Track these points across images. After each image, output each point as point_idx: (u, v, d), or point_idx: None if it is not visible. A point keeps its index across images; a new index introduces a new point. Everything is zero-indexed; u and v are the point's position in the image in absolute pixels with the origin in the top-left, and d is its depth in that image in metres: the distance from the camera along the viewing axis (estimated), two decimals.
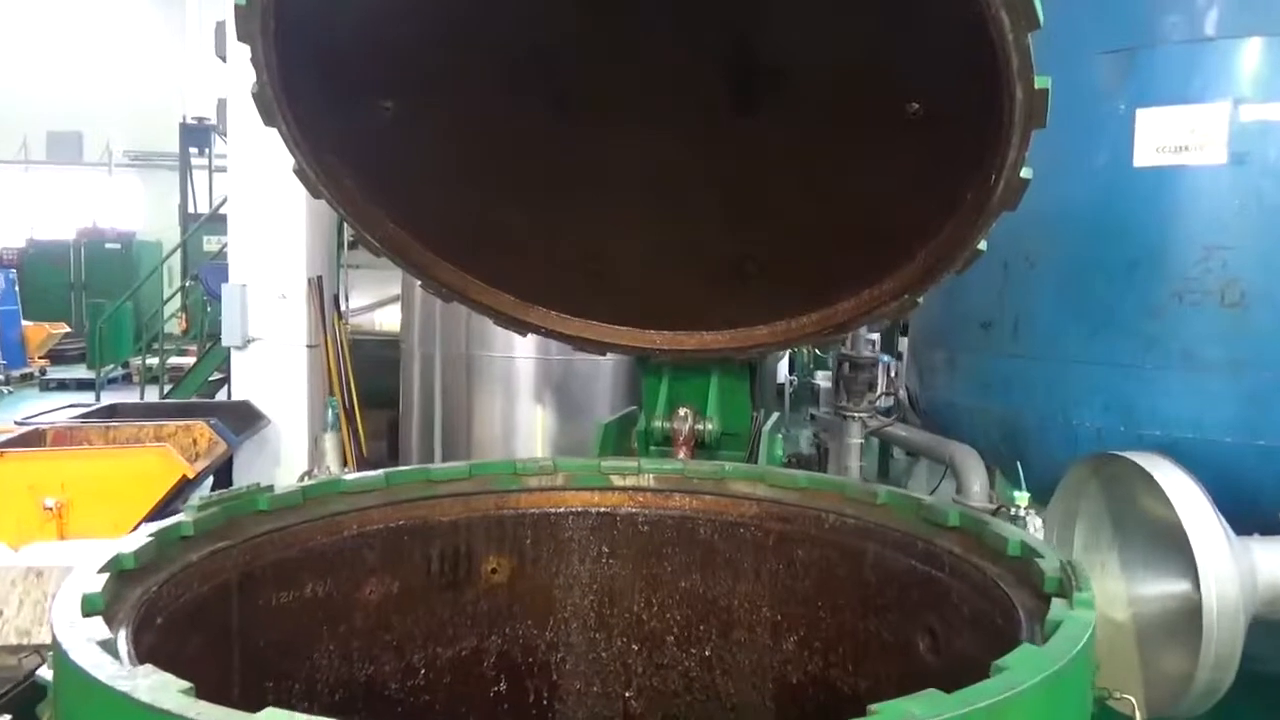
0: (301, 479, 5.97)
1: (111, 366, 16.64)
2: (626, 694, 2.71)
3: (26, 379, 18.04)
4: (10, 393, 16.52)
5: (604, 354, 3.00)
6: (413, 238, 2.54)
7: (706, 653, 2.64)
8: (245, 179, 6.93)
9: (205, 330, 13.36)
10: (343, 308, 7.60)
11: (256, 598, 2.12)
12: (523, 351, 5.91)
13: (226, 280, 6.83)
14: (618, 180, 2.73)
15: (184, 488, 5.03)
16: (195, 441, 5.46)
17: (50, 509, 4.41)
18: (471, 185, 2.66)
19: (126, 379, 16.97)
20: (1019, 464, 3.57)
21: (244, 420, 6.41)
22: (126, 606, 1.65)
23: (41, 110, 28.32)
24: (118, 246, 24.11)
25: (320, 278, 7.07)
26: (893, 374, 5.65)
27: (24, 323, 18.94)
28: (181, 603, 1.86)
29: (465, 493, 2.57)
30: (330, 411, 5.88)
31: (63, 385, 17.11)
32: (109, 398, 10.57)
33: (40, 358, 19.17)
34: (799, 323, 2.65)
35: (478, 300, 2.73)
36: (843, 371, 5.35)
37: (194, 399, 8.49)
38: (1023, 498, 3.42)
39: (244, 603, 2.08)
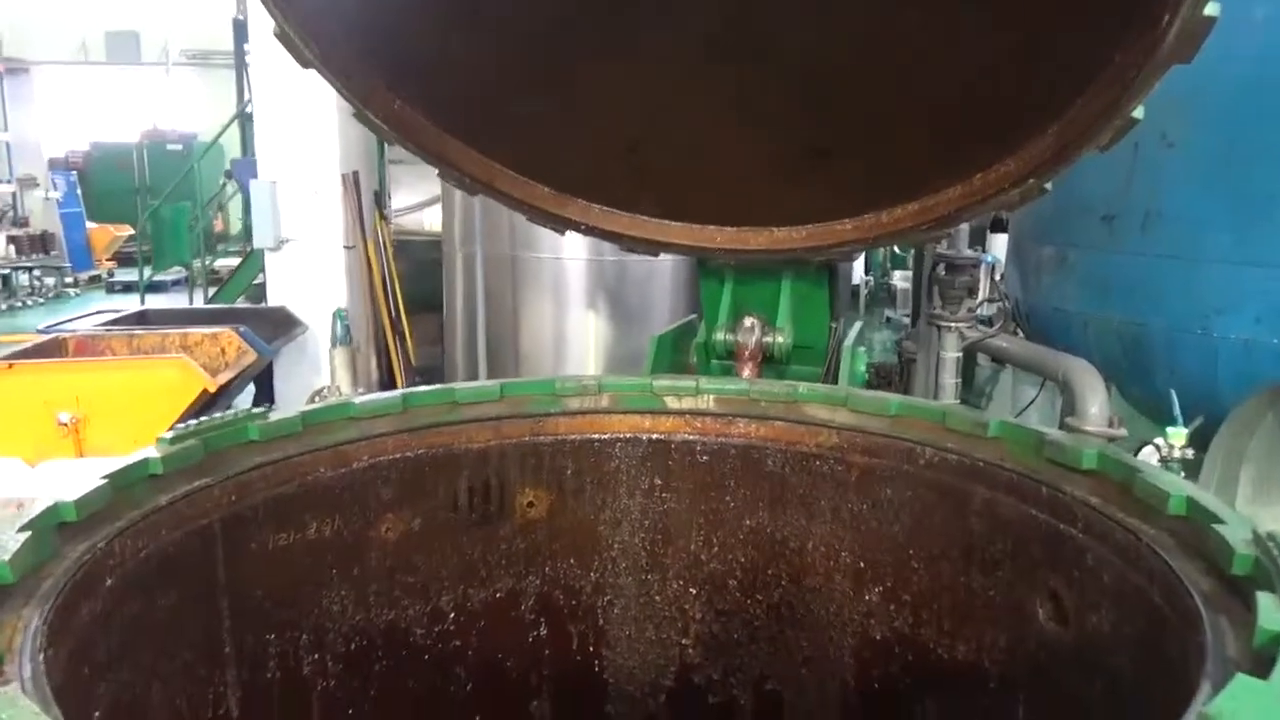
0: (312, 400, 5.72)
1: (176, 270, 16.72)
2: (683, 641, 2.39)
3: (94, 281, 18.29)
4: (78, 295, 16.76)
5: (656, 254, 2.58)
6: (426, 118, 2.13)
7: (775, 599, 2.29)
8: (271, 68, 6.46)
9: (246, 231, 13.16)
10: (385, 206, 7.20)
11: (247, 542, 1.82)
12: (571, 252, 5.46)
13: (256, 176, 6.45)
14: (669, 48, 2.26)
15: (214, 400, 4.81)
16: (223, 351, 5.19)
17: (66, 424, 4.21)
18: (496, 55, 2.23)
19: (188, 282, 17.08)
20: (1174, 393, 3.06)
21: (279, 327, 6.11)
22: (56, 574, 1.33)
23: (98, 9, 28.11)
24: (179, 148, 24.05)
25: (356, 173, 6.62)
26: (997, 277, 4.98)
27: (89, 225, 19.11)
28: (144, 556, 1.55)
29: (496, 417, 2.22)
30: (339, 323, 5.51)
31: (129, 288, 17.29)
32: (165, 301, 10.51)
33: (107, 260, 19.40)
34: (892, 215, 2.20)
35: (507, 192, 2.33)
36: (937, 274, 4.64)
37: (234, 304, 8.25)
38: (1178, 434, 2.87)
39: (231, 549, 1.77)
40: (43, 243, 18.02)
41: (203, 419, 1.83)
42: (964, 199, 2.05)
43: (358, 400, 2.10)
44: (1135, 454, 1.93)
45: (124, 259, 19.75)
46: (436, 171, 2.26)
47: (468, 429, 2.18)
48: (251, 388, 6.17)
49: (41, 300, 17.32)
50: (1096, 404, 3.56)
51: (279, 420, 1.93)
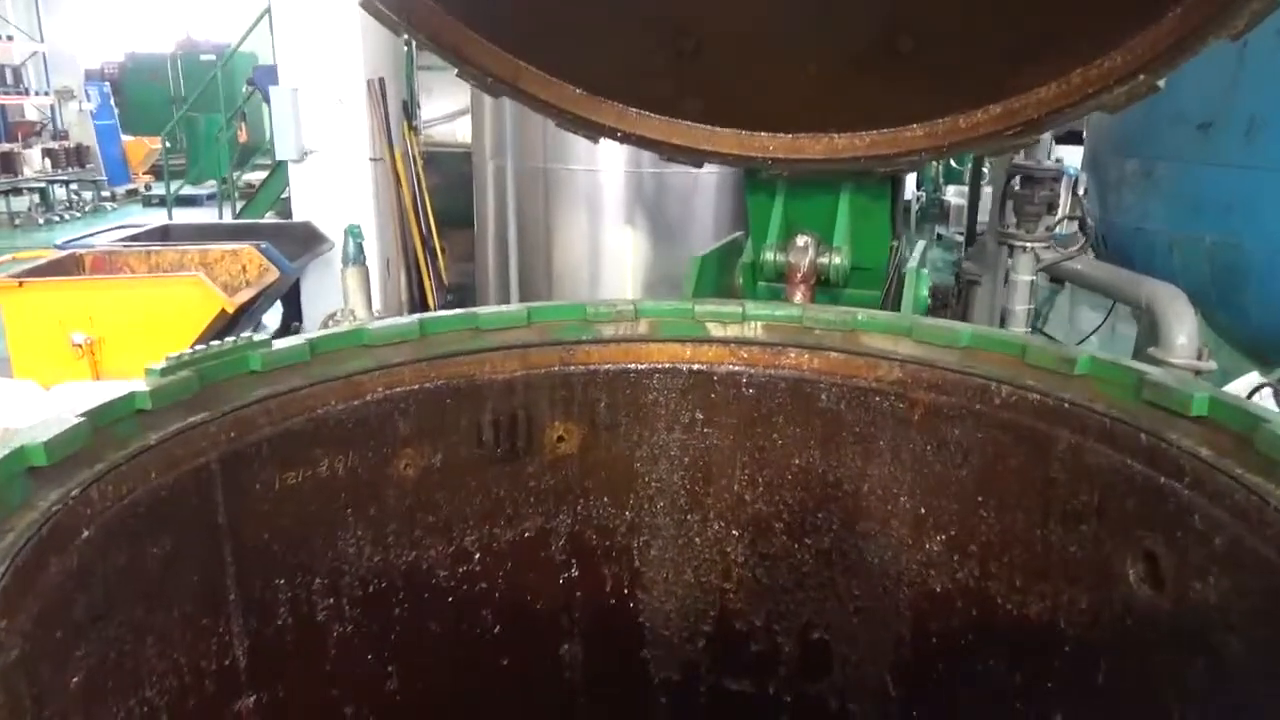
0: (325, 324, 5.54)
1: (211, 183, 16.58)
2: (725, 586, 2.23)
3: (131, 195, 18.26)
4: (114, 209, 16.75)
5: (700, 165, 2.34)
6: (440, 4, 1.88)
7: (825, 544, 2.12)
8: None
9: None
10: (414, 116, 6.89)
11: (251, 482, 1.66)
12: (606, 163, 5.14)
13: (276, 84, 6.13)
14: None
15: (235, 321, 4.64)
16: (244, 268, 4.99)
17: (80, 346, 4.07)
18: None
19: (219, 197, 16.98)
20: None
21: (304, 244, 5.88)
22: (19, 528, 1.18)
23: None
24: (213, 58, 23.69)
25: (382, 80, 6.27)
26: (1080, 191, 4.50)
27: (124, 138, 19.00)
28: (130, 502, 1.40)
29: (523, 345, 2.03)
30: (351, 241, 5.21)
31: (165, 201, 17.24)
32: (198, 216, 10.39)
33: (144, 174, 19.33)
34: (971, 120, 1.93)
35: (534, 93, 2.08)
36: (1012, 188, 4.16)
37: (260, 219, 8.02)
38: None
39: (233, 491, 1.62)
40: (78, 156, 17.96)
41: (198, 348, 1.66)
42: (1058, 100, 1.78)
43: (372, 326, 1.92)
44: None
45: (159, 172, 19.66)
46: (455, 71, 2.02)
47: (492, 358, 2.00)
48: (279, 308, 6.00)
49: (79, 215, 17.34)
50: (1184, 334, 3.25)
51: (284, 349, 1.75)
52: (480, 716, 2.19)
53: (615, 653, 2.28)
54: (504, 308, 2.06)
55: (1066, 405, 1.67)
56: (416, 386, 1.90)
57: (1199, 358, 3.25)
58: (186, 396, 1.58)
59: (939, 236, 7.29)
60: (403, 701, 2.04)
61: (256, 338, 1.75)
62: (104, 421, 1.43)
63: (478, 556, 2.09)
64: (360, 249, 5.16)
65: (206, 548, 1.59)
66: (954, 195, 8.71)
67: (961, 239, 7.12)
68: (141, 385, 1.51)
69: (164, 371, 1.57)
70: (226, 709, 1.67)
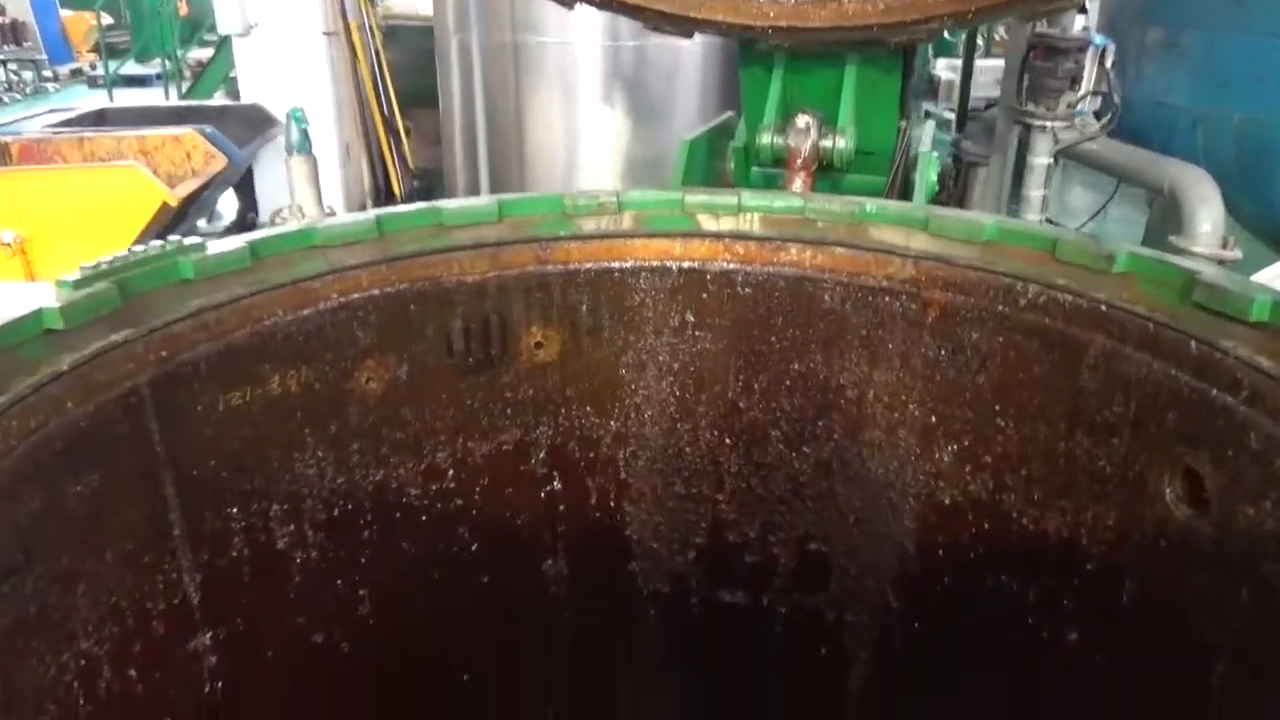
0: (272, 222, 5.21)
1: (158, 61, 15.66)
2: (717, 497, 2.10)
3: (75, 75, 17.29)
4: (57, 90, 15.86)
5: (689, 35, 2.08)
6: None
7: (825, 454, 1.98)
8: None
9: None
10: None
11: (190, 405, 1.47)
12: (581, 36, 4.71)
13: None
14: None
15: (182, 215, 4.30)
16: (188, 155, 4.59)
17: (10, 244, 3.74)
18: None
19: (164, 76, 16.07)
20: None
21: (254, 127, 5.43)
22: None
23: None
24: None
25: None
26: (1108, 64, 4.09)
27: (62, 12, 17.86)
28: (41, 439, 1.21)
29: (494, 242, 1.83)
30: (295, 127, 4.75)
31: (113, 82, 16.33)
32: (145, 98, 9.79)
33: (88, 51, 18.27)
34: None
35: None
36: (1031, 61, 3.76)
37: (204, 102, 7.46)
38: None
39: (169, 416, 1.43)
40: (14, 33, 16.87)
41: (118, 255, 1.44)
42: None
43: (322, 225, 1.70)
44: None
45: (108, 50, 18.58)
46: None
47: (460, 258, 1.79)
48: (234, 200, 5.61)
49: (19, 97, 16.41)
50: (1209, 220, 3.03)
51: (220, 253, 1.54)
52: (462, 636, 2.08)
53: (602, 567, 2.16)
54: (471, 201, 1.85)
55: (1103, 307, 1.50)
56: (376, 292, 1.70)
57: (1224, 247, 3.07)
58: (106, 312, 1.37)
59: (927, 114, 6.99)
60: (378, 626, 1.91)
61: (187, 241, 1.53)
62: (5, 345, 1.22)
63: (451, 473, 1.93)
64: (306, 135, 4.70)
65: (143, 481, 1.41)
66: (945, 70, 8.34)
67: (952, 117, 6.82)
68: (50, 300, 1.30)
69: (78, 283, 1.35)
70: (179, 649, 1.53)
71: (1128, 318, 1.47)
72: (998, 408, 1.69)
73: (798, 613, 2.13)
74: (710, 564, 2.15)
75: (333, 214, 4.17)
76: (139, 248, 1.46)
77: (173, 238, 1.51)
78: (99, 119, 5.19)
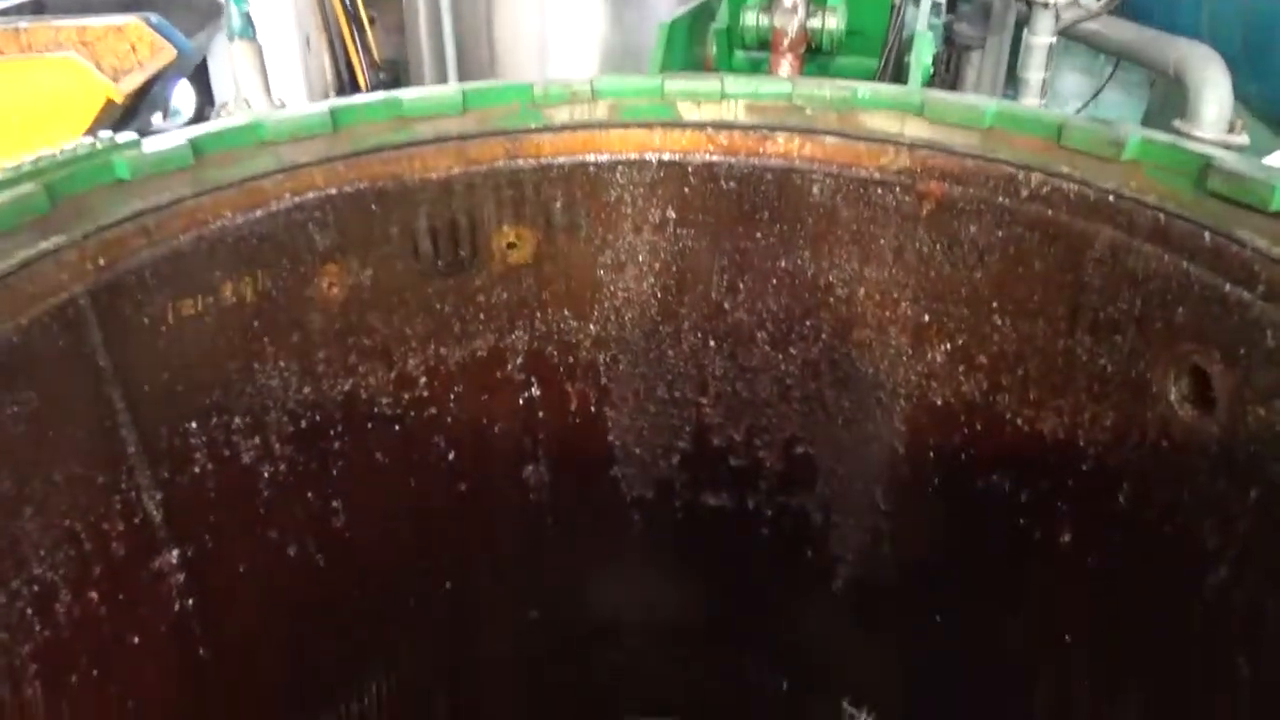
0: (218, 114, 4.96)
1: None
2: (700, 401, 2.03)
3: None
4: None
5: None
6: None
7: (813, 355, 1.91)
8: None
9: None
10: None
11: (136, 317, 1.38)
12: None
13: None
14: None
15: (132, 111, 4.05)
16: (134, 47, 4.28)
17: None
18: None
19: None
20: None
21: (204, 15, 5.08)
22: None
23: None
24: None
25: None
26: None
27: None
28: None
29: (460, 135, 1.70)
30: (235, 10, 4.39)
31: None
32: None
33: None
34: None
35: None
36: None
37: None
38: None
39: (113, 328, 1.34)
40: None
41: (43, 153, 1.31)
42: None
43: (271, 118, 1.57)
44: None
45: None
46: None
47: (423, 153, 1.67)
48: (190, 93, 5.33)
49: None
50: (1216, 103, 2.87)
51: (158, 151, 1.41)
52: (442, 544, 2.04)
53: (583, 473, 2.11)
54: (433, 90, 1.71)
55: (1110, 197, 1.41)
56: (333, 191, 1.58)
57: (1230, 131, 2.93)
58: (33, 217, 1.26)
59: None
60: (354, 539, 1.87)
61: (120, 138, 1.40)
62: None
63: (424, 381, 1.85)
64: (248, 20, 4.33)
65: (88, 397, 1.32)
66: None
67: None
68: None
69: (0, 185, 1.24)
70: (143, 569, 1.48)
71: (1137, 208, 1.38)
72: (994, 305, 1.61)
73: (784, 516, 2.09)
74: (694, 468, 2.10)
75: (283, 106, 3.95)
76: (68, 145, 1.34)
77: (104, 134, 1.38)
78: (37, 8, 4.82)
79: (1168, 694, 1.50)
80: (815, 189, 1.74)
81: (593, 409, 2.05)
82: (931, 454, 1.82)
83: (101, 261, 1.30)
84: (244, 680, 1.73)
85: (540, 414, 2.03)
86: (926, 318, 1.72)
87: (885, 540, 1.97)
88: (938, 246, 1.65)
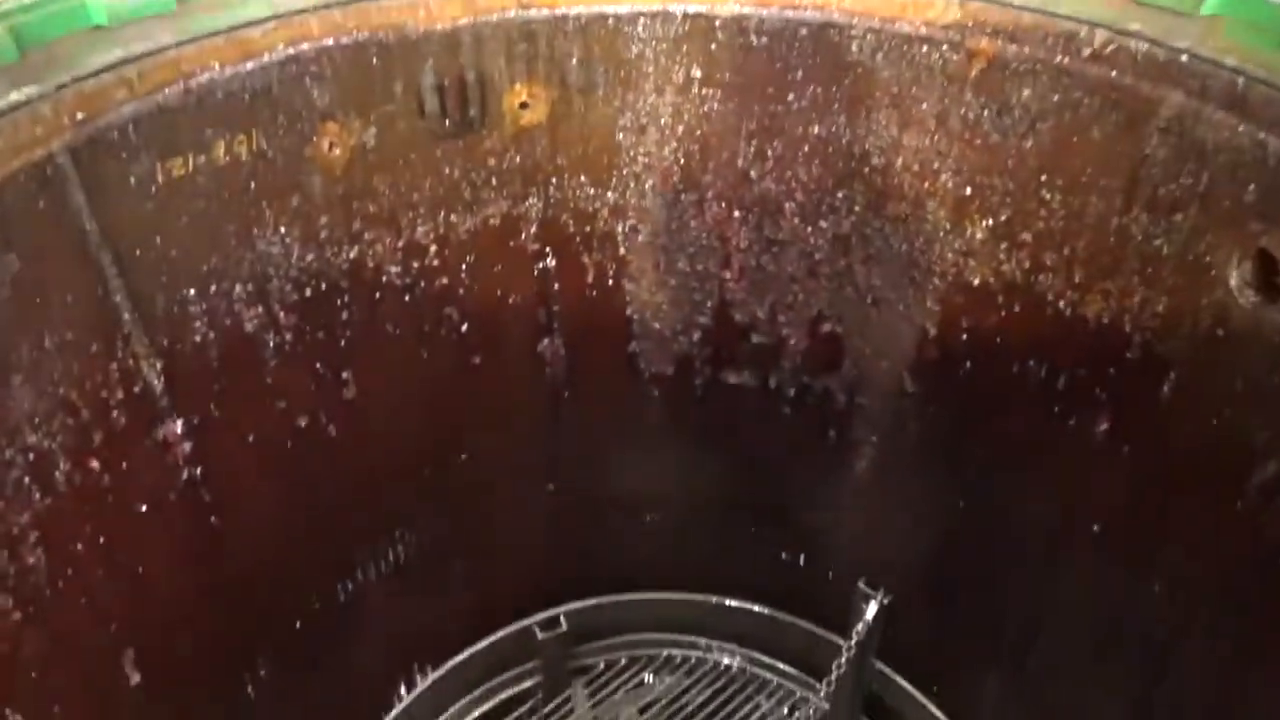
0: None
1: None
2: (724, 275, 1.94)
3: None
4: None
5: None
6: None
7: (844, 229, 1.80)
8: None
9: None
10: None
11: (121, 176, 1.29)
12: None
13: None
14: None
15: None
16: None
17: None
18: None
19: None
20: None
21: None
22: None
23: None
24: None
25: None
26: None
27: None
28: None
29: None
30: None
31: None
32: None
33: None
34: None
35: None
36: None
37: None
38: None
39: (97, 188, 1.26)
40: None
41: None
42: None
43: None
44: None
45: None
46: None
47: (428, 1, 1.53)
48: None
49: None
50: None
51: None
52: (456, 417, 2.01)
53: (600, 347, 2.05)
54: None
55: (1183, 58, 1.26)
56: (330, 42, 1.47)
57: None
58: (1, 65, 1.16)
59: None
60: (367, 410, 1.83)
61: None
62: None
63: (434, 250, 1.77)
64: None
65: (76, 262, 1.26)
66: None
67: None
68: None
69: None
70: (146, 437, 1.45)
71: (1212, 71, 1.23)
72: (1044, 178, 1.49)
73: (807, 396, 2.03)
74: (716, 345, 2.03)
75: None
76: None
77: None
78: None
79: (1198, 586, 1.46)
80: (854, 46, 1.59)
81: (610, 281, 1.97)
82: (965, 336, 1.73)
83: (80, 115, 1.21)
84: (258, 548, 1.73)
85: (556, 286, 1.95)
86: (968, 190, 1.60)
87: (910, 423, 1.90)
88: (985, 112, 1.51)
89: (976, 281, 1.66)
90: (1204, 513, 1.38)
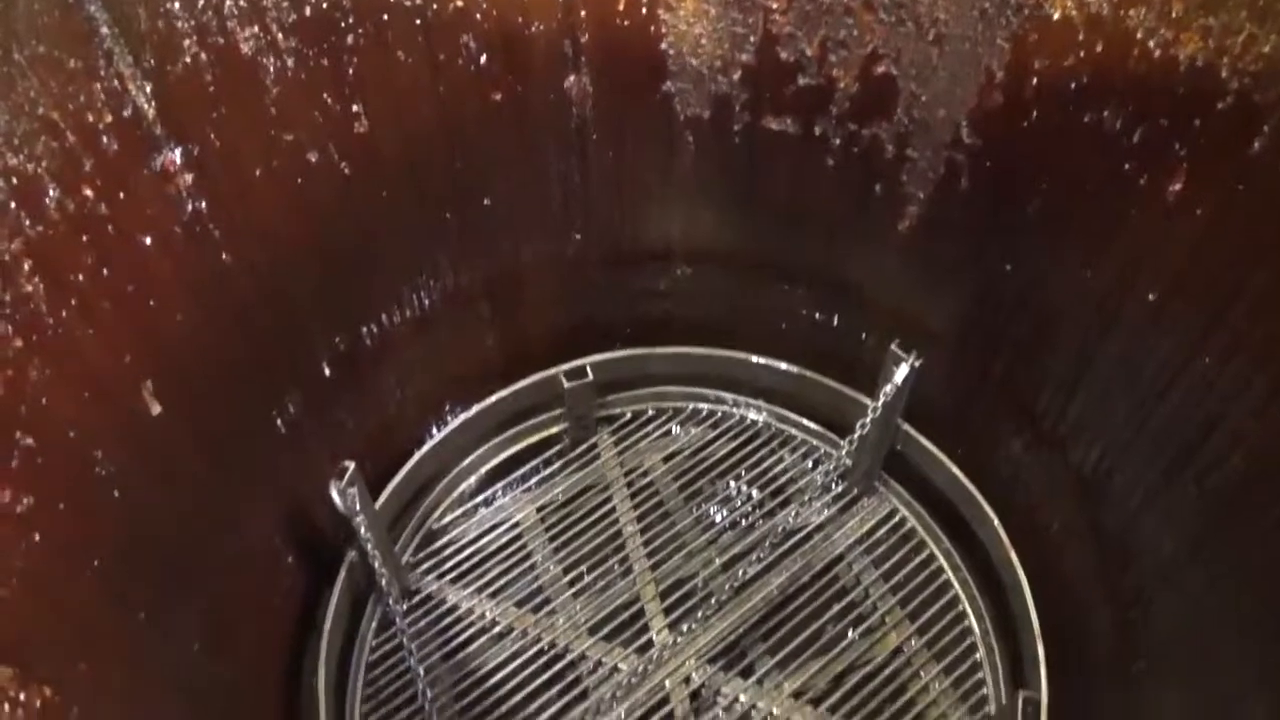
0: None
1: None
2: (770, 5, 1.74)
3: None
4: None
5: None
6: None
7: None
8: None
9: None
10: None
11: None
12: None
13: None
14: None
15: None
16: None
17: None
18: None
19: None
20: None
21: None
22: None
23: None
24: None
25: None
26: None
27: None
28: None
29: None
30: None
31: None
32: None
33: None
34: None
35: None
36: None
37: None
38: None
39: None
40: None
41: None
42: None
43: None
44: None
45: None
46: None
47: None
48: None
49: None
50: None
51: None
52: (476, 158, 1.90)
53: (632, 86, 1.89)
54: None
55: None
56: None
57: None
58: None
59: None
60: (381, 147, 1.73)
61: None
62: None
63: None
64: None
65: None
66: None
67: None
68: None
69: None
70: (144, 166, 1.37)
71: None
72: None
73: (853, 143, 1.88)
74: (757, 86, 1.86)
75: None
76: None
77: None
78: None
79: (1255, 356, 1.37)
80: None
81: (644, 10, 1.77)
82: (1035, 80, 1.55)
83: None
84: (275, 288, 1.70)
85: (582, 13, 1.77)
86: None
87: (962, 180, 1.76)
88: None
89: (1057, 15, 1.46)
90: (1276, 283, 1.26)
